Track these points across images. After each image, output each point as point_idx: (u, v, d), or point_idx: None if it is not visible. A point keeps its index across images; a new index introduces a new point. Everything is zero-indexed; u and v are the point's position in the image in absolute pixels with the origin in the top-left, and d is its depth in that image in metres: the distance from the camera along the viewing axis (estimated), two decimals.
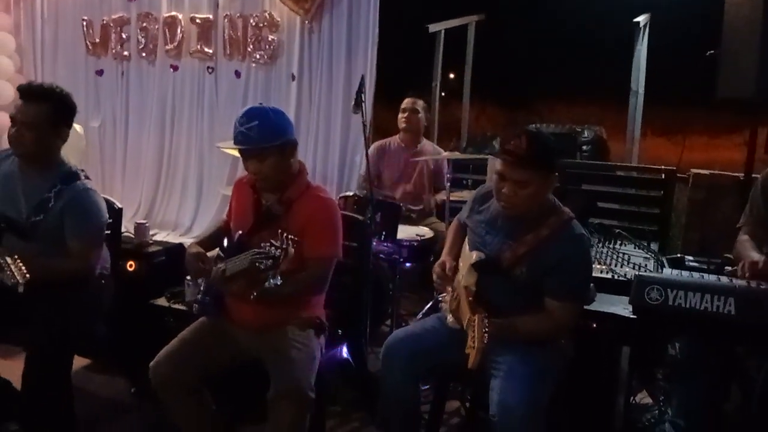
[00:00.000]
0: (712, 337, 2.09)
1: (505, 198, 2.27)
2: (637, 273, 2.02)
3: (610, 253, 3.04)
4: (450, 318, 2.41)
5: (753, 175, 3.63)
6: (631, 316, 2.28)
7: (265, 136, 2.34)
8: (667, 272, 2.20)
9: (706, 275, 2.05)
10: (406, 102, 4.30)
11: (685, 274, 2.03)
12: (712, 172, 4.42)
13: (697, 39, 4.13)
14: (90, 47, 5.78)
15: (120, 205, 3.12)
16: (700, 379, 2.33)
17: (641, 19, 5.91)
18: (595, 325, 2.52)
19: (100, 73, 5.82)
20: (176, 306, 3.00)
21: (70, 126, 2.70)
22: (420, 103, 4.32)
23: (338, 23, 4.85)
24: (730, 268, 2.07)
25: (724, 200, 4.15)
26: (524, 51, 14.27)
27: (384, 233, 3.56)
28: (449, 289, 2.44)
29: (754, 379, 1.94)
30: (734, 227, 2.58)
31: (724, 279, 1.96)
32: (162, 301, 3.07)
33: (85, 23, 5.75)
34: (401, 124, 4.29)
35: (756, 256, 2.12)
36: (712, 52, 3.57)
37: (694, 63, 3.88)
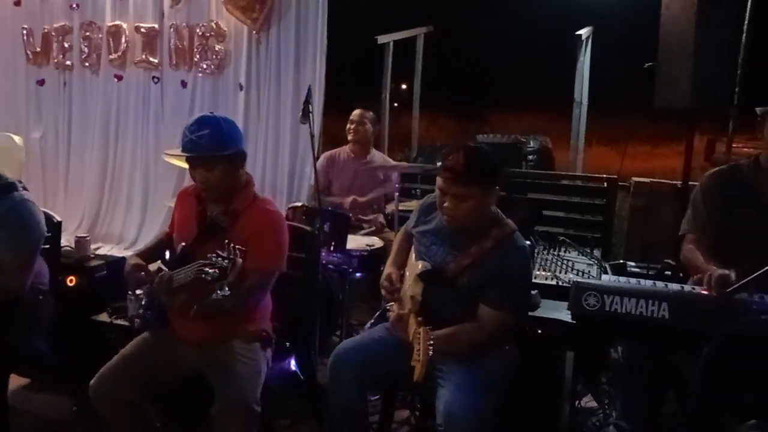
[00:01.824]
0: (648, 341, 2.15)
1: (447, 212, 2.31)
2: (575, 279, 2.06)
3: (554, 260, 3.10)
4: (392, 313, 2.42)
5: (690, 183, 3.76)
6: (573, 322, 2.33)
7: (216, 145, 2.31)
8: (605, 278, 2.25)
9: (643, 281, 2.10)
10: (354, 114, 4.34)
11: (623, 279, 2.08)
12: (652, 180, 4.56)
13: (637, 51, 4.26)
14: (31, 56, 5.62)
15: (59, 219, 3.04)
16: (639, 382, 2.39)
17: (583, 32, 6.07)
18: (539, 331, 2.56)
19: (41, 83, 5.67)
20: (118, 321, 2.93)
21: None
22: (368, 115, 4.35)
23: (286, 33, 4.83)
24: (696, 278, 2.11)
25: (664, 207, 4.29)
26: (473, 63, 14.51)
27: (333, 243, 3.55)
28: (397, 295, 2.46)
29: (688, 382, 2.00)
30: (673, 233, 2.65)
31: (660, 284, 2.02)
32: (104, 317, 3.00)
33: (25, 32, 5.59)
34: (349, 136, 4.34)
35: (714, 268, 2.14)
36: (650, 64, 3.69)
37: (634, 74, 4.00)
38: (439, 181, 2.32)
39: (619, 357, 2.66)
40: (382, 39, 6.25)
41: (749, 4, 4.01)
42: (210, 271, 2.09)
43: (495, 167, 2.33)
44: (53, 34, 5.52)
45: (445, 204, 2.30)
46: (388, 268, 2.57)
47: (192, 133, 2.30)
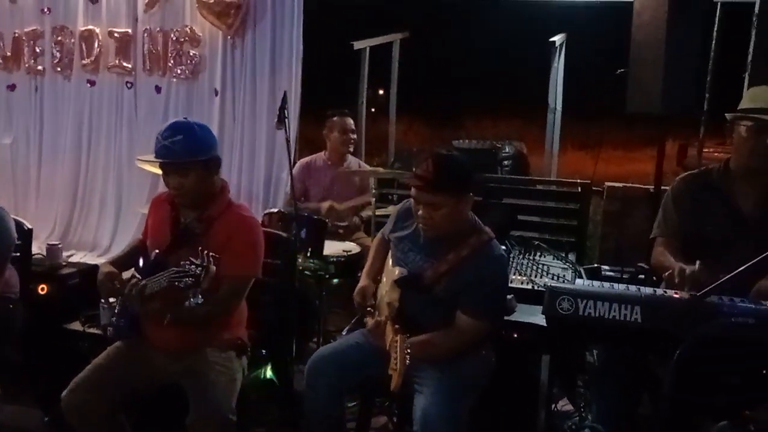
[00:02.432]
0: (622, 344, 2.17)
1: (421, 220, 2.33)
2: (549, 283, 2.08)
3: (530, 265, 3.12)
4: (370, 322, 2.42)
5: (662, 187, 3.81)
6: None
7: (190, 151, 2.30)
8: (579, 282, 2.28)
9: (616, 285, 2.12)
10: (349, 123, 4.31)
11: (597, 284, 2.10)
12: (625, 184, 4.62)
13: (610, 57, 4.32)
14: (1, 61, 5.51)
15: (30, 226, 2.99)
16: (614, 385, 2.42)
17: (557, 38, 6.14)
18: (515, 335, 2.58)
19: (11, 87, 5.55)
20: (91, 330, 2.89)
21: None
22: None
23: (261, 39, 4.80)
24: (666, 275, 2.14)
25: (637, 211, 4.35)
26: (449, 69, 14.59)
27: (310, 249, 3.54)
28: (369, 309, 2.46)
29: (662, 384, 2.02)
30: (646, 237, 2.68)
31: (632, 288, 2.05)
32: (76, 326, 2.96)
33: None
34: (343, 145, 4.28)
35: (677, 264, 2.18)
36: (622, 70, 3.75)
37: (608, 80, 4.05)
38: (412, 190, 2.33)
39: (595, 360, 2.69)
40: (358, 45, 6.25)
41: (718, 11, 4.10)
42: (183, 278, 2.07)
43: (466, 174, 2.34)
44: (24, 38, 5.42)
45: (420, 212, 2.31)
46: (363, 280, 2.56)
47: (165, 139, 2.28)
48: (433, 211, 2.27)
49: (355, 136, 4.38)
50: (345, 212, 4.19)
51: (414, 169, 2.35)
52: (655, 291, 2.06)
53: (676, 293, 2.01)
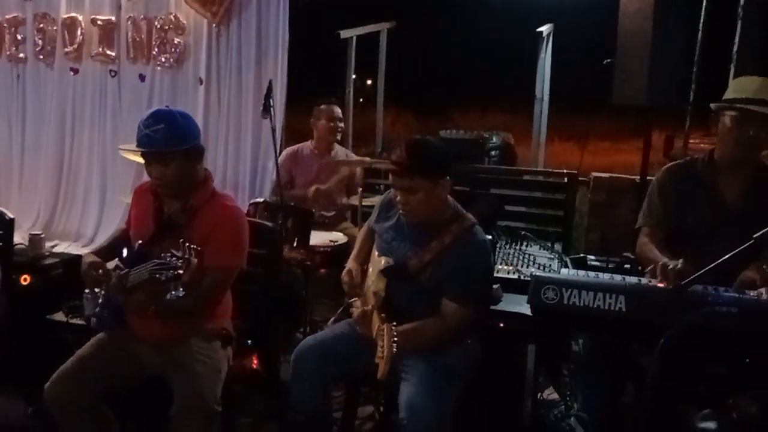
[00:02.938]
0: (607, 333, 2.18)
1: (401, 206, 2.34)
2: (534, 273, 2.08)
3: (516, 254, 3.13)
4: (357, 311, 2.42)
5: (648, 178, 3.83)
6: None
7: (171, 140, 2.27)
8: (564, 272, 2.29)
9: (601, 274, 2.13)
10: (336, 111, 4.28)
11: (582, 273, 2.11)
12: (611, 175, 4.64)
13: (598, 48, 4.31)
14: None
15: (11, 216, 2.95)
16: (599, 374, 2.43)
17: (544, 29, 6.12)
18: (501, 325, 2.58)
19: None
20: (74, 320, 2.86)
21: None
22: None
23: (247, 27, 4.76)
24: (649, 269, 2.15)
25: (623, 202, 4.37)
26: (437, 59, 14.58)
27: (296, 239, 3.52)
28: (358, 291, 2.46)
29: (646, 373, 2.03)
30: (632, 227, 2.69)
31: (617, 277, 2.05)
32: (59, 316, 2.93)
33: None
34: (330, 134, 4.24)
35: (666, 259, 2.18)
36: (608, 60, 3.75)
37: (595, 71, 4.05)
38: (390, 176, 2.34)
39: (580, 350, 2.70)
40: (344, 34, 6.21)
41: (704, 3, 4.10)
42: (164, 271, 2.05)
43: (441, 157, 2.35)
44: (5, 25, 5.34)
45: (398, 198, 2.33)
46: (350, 263, 2.57)
47: (147, 128, 2.26)
48: (411, 196, 2.29)
49: (342, 124, 4.36)
50: (332, 191, 4.14)
51: (389, 156, 2.36)
52: (639, 280, 2.07)
53: (660, 282, 2.02)
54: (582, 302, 1.92)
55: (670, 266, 2.06)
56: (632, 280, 2.05)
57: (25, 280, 3.22)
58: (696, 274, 1.95)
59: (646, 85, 3.49)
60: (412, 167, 2.26)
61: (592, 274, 2.12)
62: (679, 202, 2.50)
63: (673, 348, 1.77)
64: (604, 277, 2.07)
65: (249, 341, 2.74)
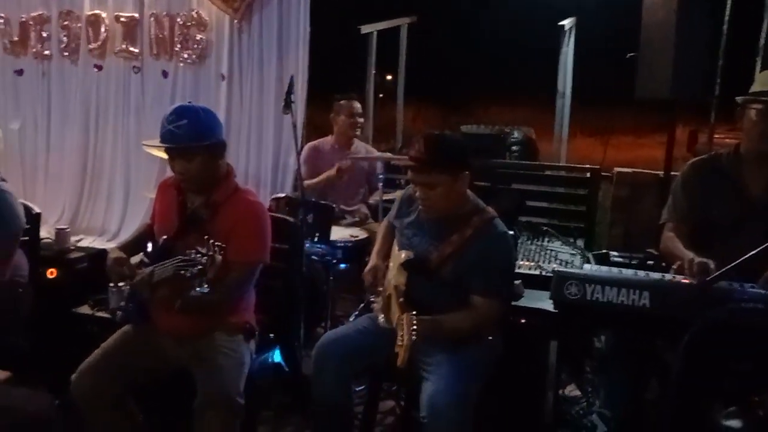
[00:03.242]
0: (630, 329, 2.16)
1: (420, 201, 2.34)
2: (556, 268, 2.07)
3: (538, 250, 3.11)
4: (381, 318, 2.42)
5: (672, 173, 3.78)
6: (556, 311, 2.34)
7: (194, 135, 2.29)
8: (587, 267, 2.27)
9: (624, 270, 2.12)
10: (356, 106, 4.27)
11: (605, 269, 2.09)
12: (634, 170, 4.59)
13: (621, 42, 4.27)
14: (8, 46, 5.52)
15: (38, 210, 2.99)
16: (622, 370, 2.41)
17: (567, 23, 6.07)
18: (523, 321, 2.57)
19: (19, 72, 5.57)
20: (100, 314, 2.90)
21: None
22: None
23: (268, 23, 4.79)
24: (675, 267, 2.13)
25: (646, 197, 4.32)
26: (458, 53, 14.52)
27: (317, 234, 3.54)
28: (380, 288, 2.46)
29: (670, 369, 2.02)
30: (655, 223, 2.66)
31: (641, 273, 2.03)
32: (85, 309, 2.97)
33: (2, 21, 5.49)
34: (351, 129, 4.23)
35: (693, 255, 2.16)
36: (632, 54, 3.71)
37: (617, 65, 4.01)
38: (408, 172, 2.34)
39: (602, 346, 2.68)
40: (365, 29, 6.21)
41: None
42: (189, 268, 2.07)
43: (459, 151, 2.34)
44: (31, 23, 5.43)
45: (417, 194, 2.32)
46: (373, 260, 2.57)
47: (170, 124, 2.28)
48: (430, 191, 2.29)
49: (362, 119, 4.35)
50: (353, 167, 4.09)
51: (408, 151, 2.36)
52: (663, 276, 2.05)
53: (684, 278, 2.00)
54: (605, 298, 1.90)
55: (697, 261, 2.04)
56: (656, 275, 2.03)
57: (51, 273, 3.27)
58: (721, 271, 1.92)
59: (671, 78, 3.44)
60: (430, 162, 2.26)
61: (615, 269, 2.11)
62: (704, 197, 2.47)
63: (697, 344, 1.75)
64: (628, 272, 2.05)
65: (271, 335, 2.76)
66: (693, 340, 1.74)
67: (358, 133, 4.31)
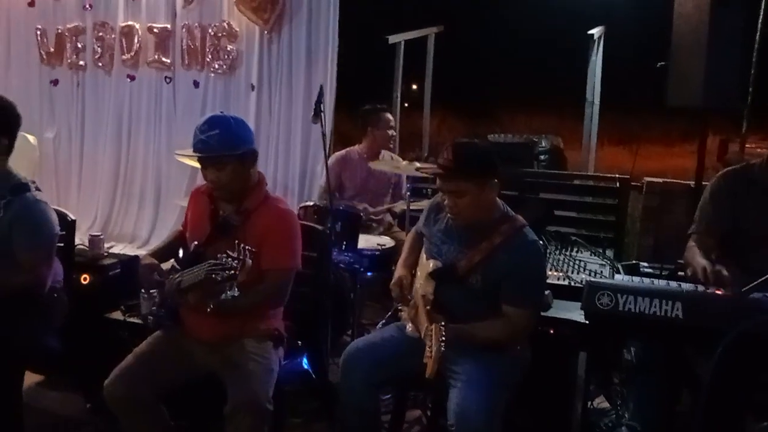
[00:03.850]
0: (662, 340, 2.14)
1: (448, 209, 2.33)
2: (588, 279, 2.06)
3: (566, 260, 3.09)
4: (409, 327, 2.42)
5: (703, 183, 3.73)
6: (586, 322, 2.32)
7: (226, 145, 2.32)
8: (618, 278, 2.25)
9: (657, 280, 2.09)
10: (391, 119, 4.30)
11: (637, 279, 2.07)
12: (664, 179, 4.54)
13: (650, 50, 4.24)
14: (44, 57, 5.67)
15: (73, 217, 3.05)
16: (653, 382, 2.38)
17: (595, 31, 6.03)
18: (552, 331, 2.55)
19: (55, 83, 5.71)
20: (132, 319, 2.94)
21: (11, 137, 2.61)
22: None
23: (297, 33, 4.84)
24: (688, 273, 2.12)
25: (677, 207, 4.26)
26: (484, 62, 14.48)
27: (344, 243, 3.56)
28: (408, 298, 2.46)
29: (702, 381, 1.99)
30: (686, 233, 2.64)
31: (673, 284, 2.01)
32: (117, 315, 3.01)
33: (39, 32, 5.63)
34: (390, 142, 4.28)
35: (704, 263, 2.16)
36: (662, 63, 3.67)
37: (647, 73, 3.97)
38: (436, 181, 2.35)
39: (632, 357, 2.65)
40: (393, 39, 6.25)
41: (763, 1, 3.98)
42: (220, 271, 2.10)
43: (487, 160, 2.33)
44: (67, 34, 5.56)
45: (446, 201, 2.33)
46: (400, 270, 2.56)
47: (203, 133, 2.31)
48: (458, 199, 2.29)
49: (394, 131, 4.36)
50: (378, 214, 4.19)
51: (436, 159, 2.36)
52: (696, 287, 2.02)
53: (718, 290, 1.97)
54: (638, 308, 1.89)
55: (710, 270, 2.02)
56: (689, 286, 2.01)
57: (84, 279, 3.32)
58: (756, 282, 1.90)
59: (703, 86, 3.39)
60: (458, 170, 2.26)
61: (647, 280, 2.09)
62: (733, 208, 2.45)
63: (731, 356, 1.73)
64: (660, 283, 2.03)
65: (299, 342, 2.77)
66: (726, 352, 1.71)
67: (390, 144, 4.32)
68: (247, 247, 2.18)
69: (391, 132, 4.26)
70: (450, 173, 2.27)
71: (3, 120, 2.58)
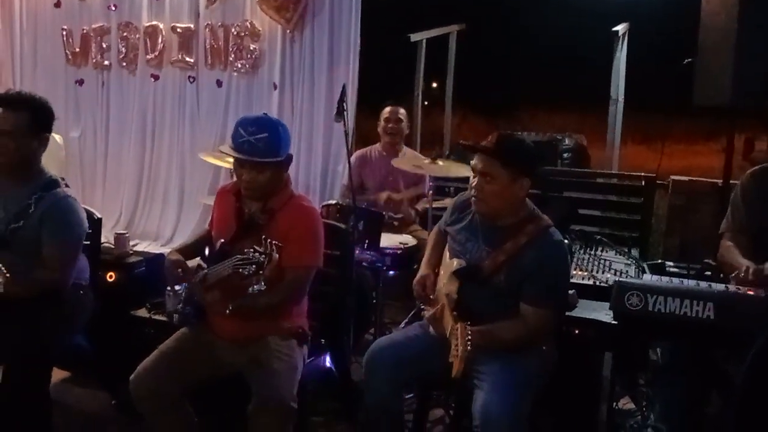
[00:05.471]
0: (692, 341, 2.11)
1: (474, 192, 2.33)
2: (617, 279, 2.03)
3: (591, 260, 3.06)
4: (431, 327, 2.41)
5: (731, 181, 3.67)
6: (613, 322, 2.30)
7: (272, 150, 2.33)
8: (647, 278, 2.22)
9: (685, 280, 2.06)
10: (388, 111, 4.30)
11: (666, 279, 2.04)
12: (691, 178, 4.47)
13: (675, 47, 4.18)
14: (70, 57, 5.73)
15: (99, 215, 3.09)
16: (680, 383, 2.35)
17: (620, 28, 5.97)
18: (577, 332, 2.53)
19: (80, 83, 5.77)
20: (157, 317, 2.96)
21: (49, 132, 2.67)
22: (401, 111, 4.33)
23: (320, 32, 4.85)
24: (734, 275, 2.08)
25: (703, 206, 4.21)
26: (506, 60, 14.41)
27: (367, 241, 3.56)
28: (430, 297, 2.45)
29: (733, 383, 1.96)
30: (713, 232, 2.61)
31: (703, 284, 1.98)
32: (142, 312, 3.04)
33: (64, 33, 5.70)
34: (386, 132, 4.28)
35: (751, 263, 2.12)
36: (689, 60, 3.62)
37: (672, 71, 3.92)
38: (473, 160, 2.35)
39: (659, 358, 2.62)
40: (414, 37, 6.24)
41: None
42: (247, 266, 2.11)
43: (526, 155, 2.34)
44: (92, 34, 5.62)
45: (474, 183, 2.33)
46: (424, 269, 2.55)
47: (250, 135, 2.29)
48: (486, 183, 2.29)
49: (398, 125, 4.31)
50: (402, 202, 4.18)
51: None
52: (727, 287, 1.99)
53: (750, 290, 1.94)
54: (668, 309, 1.87)
55: (753, 269, 1.99)
56: (720, 286, 1.98)
57: (110, 277, 3.36)
58: None
59: (731, 84, 3.33)
60: (496, 152, 2.27)
61: (676, 280, 2.06)
62: (764, 207, 2.41)
63: (763, 357, 1.70)
64: (690, 283, 2.00)
65: (322, 340, 2.78)
66: (759, 353, 1.68)
67: (396, 139, 4.29)
68: (273, 242, 2.18)
69: (388, 125, 4.25)
70: (488, 151, 2.29)
71: (44, 117, 2.63)
